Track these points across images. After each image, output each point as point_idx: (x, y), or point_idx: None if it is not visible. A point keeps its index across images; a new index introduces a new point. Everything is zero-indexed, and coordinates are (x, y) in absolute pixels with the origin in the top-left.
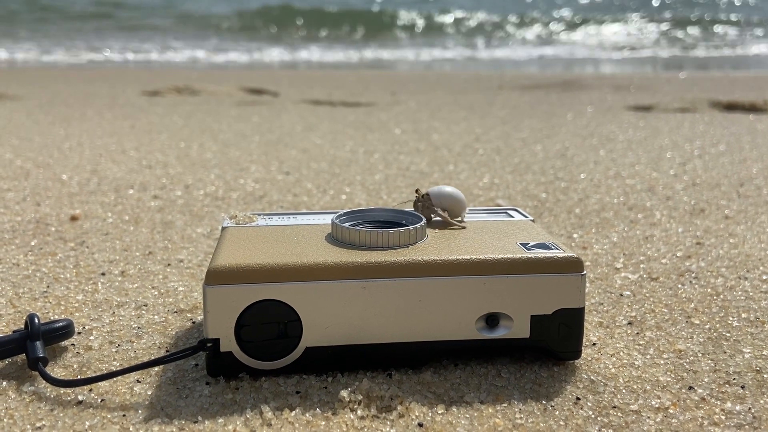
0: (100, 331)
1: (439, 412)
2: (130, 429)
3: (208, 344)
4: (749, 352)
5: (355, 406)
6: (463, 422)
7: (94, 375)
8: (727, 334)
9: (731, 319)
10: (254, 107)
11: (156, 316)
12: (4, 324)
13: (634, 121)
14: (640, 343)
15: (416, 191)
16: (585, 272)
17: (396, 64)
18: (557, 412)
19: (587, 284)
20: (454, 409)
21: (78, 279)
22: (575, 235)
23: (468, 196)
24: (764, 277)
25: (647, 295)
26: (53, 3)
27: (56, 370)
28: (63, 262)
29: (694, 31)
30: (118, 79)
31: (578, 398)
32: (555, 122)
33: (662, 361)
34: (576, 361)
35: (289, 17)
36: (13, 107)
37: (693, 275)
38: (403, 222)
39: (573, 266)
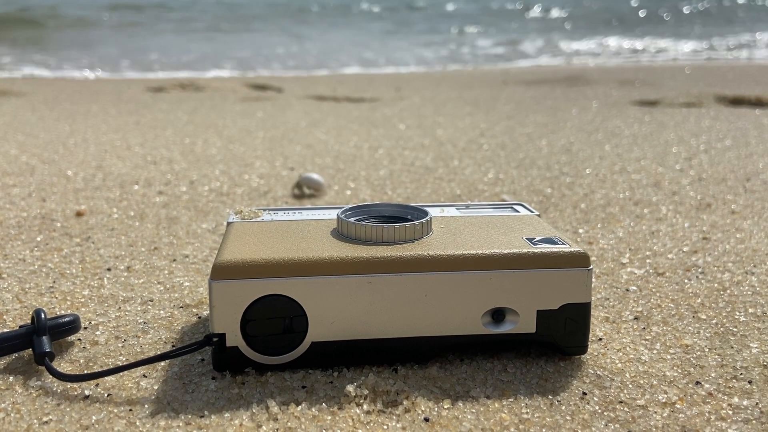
0: (106, 326)
1: (445, 406)
2: (137, 423)
3: (214, 339)
4: (756, 347)
5: (361, 401)
6: (469, 417)
7: (100, 370)
8: (734, 329)
9: (738, 314)
10: (258, 103)
11: (162, 311)
12: (11, 319)
13: (639, 116)
14: (647, 338)
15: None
16: (591, 267)
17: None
18: (563, 407)
19: (593, 279)
20: (460, 404)
21: (84, 274)
22: (581, 230)
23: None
24: None
25: (653, 290)
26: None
27: (63, 365)
28: (69, 258)
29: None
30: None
31: (585, 393)
32: (560, 117)
33: (669, 356)
34: (582, 356)
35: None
36: (18, 103)
37: (699, 270)
38: (409, 217)
39: (579, 261)
